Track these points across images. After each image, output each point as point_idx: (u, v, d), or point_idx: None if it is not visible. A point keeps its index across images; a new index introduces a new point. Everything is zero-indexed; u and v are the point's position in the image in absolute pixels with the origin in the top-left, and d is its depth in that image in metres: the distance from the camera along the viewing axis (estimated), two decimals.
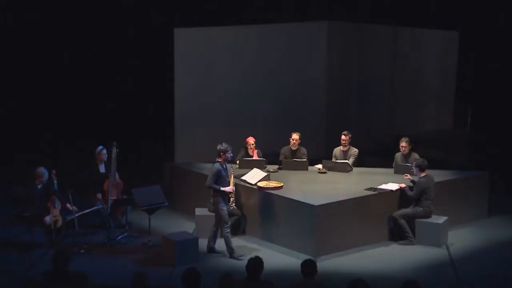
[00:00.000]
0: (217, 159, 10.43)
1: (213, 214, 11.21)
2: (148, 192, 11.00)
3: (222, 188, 10.38)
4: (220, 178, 10.38)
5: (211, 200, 11.26)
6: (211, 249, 10.64)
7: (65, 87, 14.89)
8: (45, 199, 10.77)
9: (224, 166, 10.49)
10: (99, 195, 11.33)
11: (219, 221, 10.52)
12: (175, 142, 14.59)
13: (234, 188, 10.68)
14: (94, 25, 14.70)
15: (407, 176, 11.39)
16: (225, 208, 10.45)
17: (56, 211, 10.73)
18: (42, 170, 10.93)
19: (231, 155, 10.61)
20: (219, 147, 10.42)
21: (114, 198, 11.36)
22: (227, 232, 10.43)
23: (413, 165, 11.23)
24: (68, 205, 10.76)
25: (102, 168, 11.72)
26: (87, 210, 10.95)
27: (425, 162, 11.11)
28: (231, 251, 10.45)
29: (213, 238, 10.66)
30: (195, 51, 14.64)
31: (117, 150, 11.51)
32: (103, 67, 14.88)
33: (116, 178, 11.55)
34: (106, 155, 11.64)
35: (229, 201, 10.61)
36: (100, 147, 11.76)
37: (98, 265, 10.13)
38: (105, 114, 15.09)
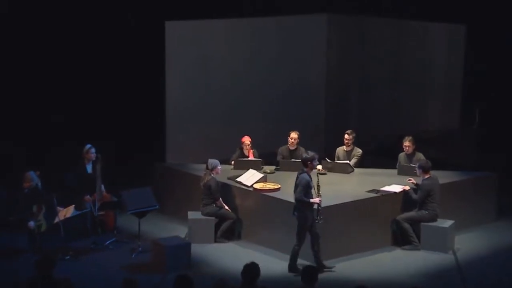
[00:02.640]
0: (303, 169, 10.09)
1: (207, 218, 11.22)
2: (138, 194, 10.97)
3: (312, 200, 10.09)
4: (309, 189, 10.06)
5: (203, 203, 11.28)
6: (294, 269, 10.05)
7: (49, 83, 14.83)
8: (31, 203, 10.75)
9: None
10: (88, 197, 11.30)
11: (298, 235, 10.04)
12: (166, 141, 14.56)
13: (321, 199, 10.18)
14: (79, 18, 14.65)
15: (410, 180, 11.38)
16: (313, 222, 10.02)
17: (40, 215, 10.70)
18: (31, 174, 10.94)
19: (318, 163, 10.35)
20: (304, 155, 10.16)
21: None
22: (297, 247, 10.02)
23: (416, 166, 11.21)
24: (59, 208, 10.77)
25: (89, 168, 11.69)
26: (73, 214, 10.90)
27: (429, 163, 11.10)
28: (293, 266, 10.09)
29: (318, 252, 10.18)
30: (187, 45, 14.62)
31: (102, 163, 11.46)
32: (88, 63, 14.82)
33: (102, 191, 11.51)
34: (95, 154, 11.61)
35: (318, 213, 10.12)
36: (88, 145, 11.73)
37: (85, 271, 10.07)
38: (90, 112, 15.04)
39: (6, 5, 14.31)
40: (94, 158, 11.61)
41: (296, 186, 10.04)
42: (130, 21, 14.75)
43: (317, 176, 10.21)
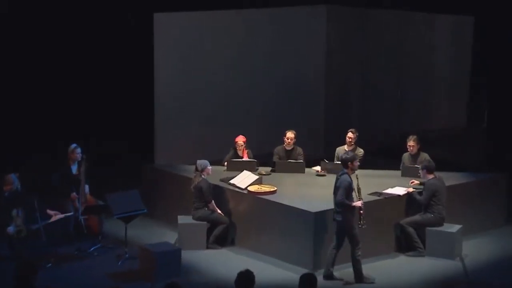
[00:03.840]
0: (343, 170, 10.04)
1: (198, 222, 11.20)
2: (124, 197, 10.94)
3: (353, 203, 10.04)
4: (351, 192, 10.02)
5: (194, 206, 11.27)
6: (330, 276, 10.09)
7: (31, 80, 14.80)
8: (11, 207, 10.72)
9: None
10: (74, 195, 11.32)
11: (351, 242, 9.97)
12: (155, 141, 14.54)
13: (363, 202, 10.15)
14: (63, 12, 14.60)
15: (413, 182, 11.38)
16: (356, 226, 10.02)
17: (19, 220, 10.67)
18: (12, 177, 10.91)
19: (359, 164, 10.33)
20: (345, 156, 10.13)
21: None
22: (358, 255, 9.97)
23: (420, 168, 11.22)
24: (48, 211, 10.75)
25: (74, 169, 11.66)
26: (56, 218, 10.88)
27: (432, 164, 11.11)
28: (360, 277, 10.03)
29: (332, 263, 10.13)
30: (177, 39, 14.61)
31: (87, 164, 11.44)
32: (73, 59, 14.78)
33: (86, 193, 11.48)
34: (80, 154, 11.60)
35: (360, 217, 10.11)
36: (73, 145, 11.71)
37: (68, 280, 10.04)
38: (75, 110, 15.00)
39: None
40: (79, 159, 11.60)
41: (336, 188, 9.99)
42: (117, 14, 14.71)
43: (357, 177, 10.16)
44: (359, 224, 10.04)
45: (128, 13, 14.63)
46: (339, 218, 9.93)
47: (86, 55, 14.81)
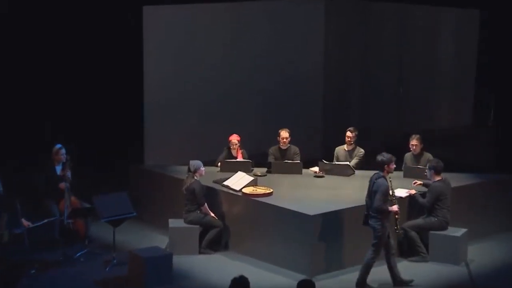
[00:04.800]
0: (378, 173, 10.02)
1: (190, 226, 11.19)
2: (113, 200, 10.93)
3: (390, 208, 10.03)
4: (388, 196, 10.00)
5: (185, 209, 11.26)
6: (401, 282, 10.09)
7: (13, 78, 14.75)
8: None
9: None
10: (63, 184, 11.32)
11: (385, 247, 10.01)
12: (144, 140, 14.52)
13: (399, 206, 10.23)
14: (49, 6, 14.57)
15: (416, 183, 11.38)
16: (388, 232, 10.04)
17: (1, 224, 10.65)
18: None
19: (395, 166, 10.31)
20: (380, 158, 10.07)
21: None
22: (373, 261, 10.01)
23: (427, 167, 11.22)
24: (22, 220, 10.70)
25: (59, 170, 11.65)
26: (40, 223, 10.86)
27: (440, 164, 11.10)
28: (362, 283, 10.04)
29: (395, 267, 10.12)
30: (167, 33, 14.59)
31: (72, 165, 11.42)
32: (58, 55, 14.73)
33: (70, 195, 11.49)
34: (65, 155, 11.59)
35: (395, 222, 10.16)
36: (58, 145, 11.71)
37: (53, 287, 10.04)
38: (59, 108, 14.96)
39: None
40: (64, 160, 11.59)
41: (373, 192, 9.96)
42: (105, 7, 14.67)
43: (390, 180, 10.14)
44: (395, 229, 10.14)
45: (117, 6, 14.59)
46: (376, 224, 9.91)
47: (72, 50, 14.74)
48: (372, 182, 10.04)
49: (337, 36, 16.52)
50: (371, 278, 10.09)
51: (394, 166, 10.20)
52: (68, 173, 11.48)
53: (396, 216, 10.12)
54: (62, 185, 11.36)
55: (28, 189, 11.55)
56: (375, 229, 9.91)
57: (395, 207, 10.05)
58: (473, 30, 16.46)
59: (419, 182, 11.45)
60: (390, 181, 10.10)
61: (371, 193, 10.00)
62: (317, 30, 16.30)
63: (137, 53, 14.18)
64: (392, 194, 10.14)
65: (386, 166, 10.00)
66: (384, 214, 9.90)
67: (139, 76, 14.28)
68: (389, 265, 10.11)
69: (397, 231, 10.19)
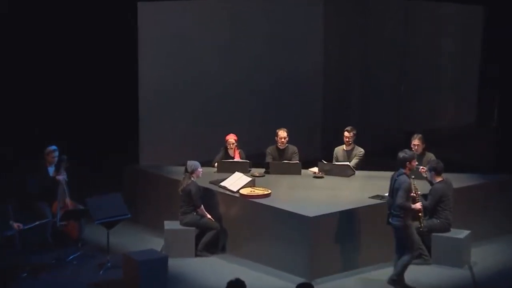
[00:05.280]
0: (400, 170, 10.02)
1: (187, 228, 11.19)
2: (106, 201, 10.93)
3: (413, 206, 10.11)
4: (410, 193, 10.04)
5: (181, 211, 11.26)
6: (395, 282, 10.10)
7: (4, 75, 14.74)
8: None
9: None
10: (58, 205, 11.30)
11: (409, 246, 10.03)
12: (139, 140, 14.51)
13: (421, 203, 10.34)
14: (40, 3, 14.57)
15: (423, 169, 11.37)
16: (414, 230, 10.13)
17: None
18: None
19: (416, 163, 10.30)
20: (402, 155, 10.05)
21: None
22: (411, 261, 10.09)
23: (426, 169, 11.22)
24: (11, 222, 10.69)
25: (51, 171, 11.64)
26: (32, 225, 10.84)
27: (440, 164, 11.10)
28: (400, 283, 10.10)
29: (401, 272, 10.15)
30: (163, 30, 14.58)
31: (68, 165, 11.42)
32: (50, 51, 14.71)
33: (66, 200, 11.47)
34: (57, 157, 11.58)
35: (419, 220, 10.27)
36: (51, 147, 11.67)
37: None
38: (52, 106, 14.94)
39: None
40: (55, 162, 11.57)
41: (395, 190, 10.00)
42: (99, 3, 14.64)
43: (413, 178, 10.19)
44: (419, 227, 10.23)
45: (111, 3, 14.57)
46: (398, 222, 9.95)
47: (66, 47, 14.71)
48: (393, 180, 10.08)
49: (337, 33, 16.51)
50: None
51: (416, 163, 10.22)
52: (64, 174, 11.47)
53: (420, 214, 10.22)
54: (59, 178, 11.30)
55: (20, 190, 11.53)
56: (397, 228, 9.96)
57: (418, 205, 10.15)
58: (477, 27, 16.43)
59: (423, 168, 11.39)
60: (413, 178, 10.14)
61: (392, 191, 10.04)
62: (316, 29, 16.30)
63: (132, 51, 14.16)
64: (415, 191, 10.18)
65: (408, 163, 10.01)
66: (407, 212, 9.94)
67: (134, 74, 14.26)
68: (401, 264, 10.10)
69: (421, 229, 10.27)
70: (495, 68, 15.85)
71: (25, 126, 14.54)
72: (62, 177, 11.44)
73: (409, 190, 9.96)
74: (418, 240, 10.26)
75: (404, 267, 10.06)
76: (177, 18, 14.77)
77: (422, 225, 10.36)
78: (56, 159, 11.62)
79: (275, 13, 15.83)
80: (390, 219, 10.06)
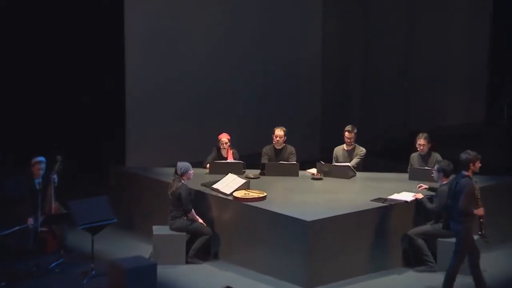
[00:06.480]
0: (462, 173, 9.99)
1: (176, 233, 11.22)
2: (91, 205, 10.93)
3: (475, 211, 10.05)
4: (473, 197, 10.01)
5: (171, 215, 11.29)
6: None
7: None
8: None
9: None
10: (31, 220, 11.28)
11: (459, 254, 10.04)
12: (126, 141, 14.53)
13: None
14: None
15: (421, 187, 11.43)
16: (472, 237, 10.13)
17: None
18: None
19: (480, 165, 10.25)
20: (465, 156, 9.99)
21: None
22: (456, 268, 10.05)
23: (435, 169, 11.24)
24: None
25: (37, 183, 11.62)
26: (10, 230, 10.86)
27: (451, 166, 11.10)
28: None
29: (480, 276, 10.20)
30: (150, 25, 14.60)
31: (61, 167, 11.45)
32: (31, 45, 14.75)
33: (53, 204, 11.49)
34: (44, 170, 11.56)
35: (481, 226, 10.20)
36: (38, 158, 11.63)
37: None
38: (36, 106, 14.97)
39: None
40: (40, 175, 11.53)
41: (456, 193, 9.98)
42: None
43: (476, 181, 10.17)
44: (480, 233, 10.21)
45: None
46: (459, 227, 9.98)
47: (48, 45, 14.73)
48: (455, 182, 10.06)
49: (337, 23, 16.55)
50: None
51: (480, 164, 10.18)
52: (55, 177, 11.48)
53: (481, 220, 10.17)
54: (30, 220, 11.23)
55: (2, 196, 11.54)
56: (458, 233, 9.98)
57: (481, 210, 10.08)
58: (486, 18, 16.49)
59: (424, 186, 11.47)
60: (476, 181, 10.14)
61: (453, 194, 10.03)
62: (313, 18, 16.33)
63: (119, 47, 14.19)
64: (478, 195, 10.15)
65: (471, 164, 9.99)
66: (469, 217, 9.94)
67: (120, 70, 14.28)
68: (474, 275, 10.14)
69: (481, 236, 10.24)
70: (506, 63, 15.94)
71: (5, 127, 14.58)
72: (53, 176, 11.44)
73: (472, 194, 9.95)
74: (477, 246, 10.17)
75: (478, 271, 10.08)
76: (166, 9, 14.79)
77: (483, 232, 10.24)
78: (42, 171, 11.59)
79: (270, 4, 15.85)
80: (451, 224, 10.08)
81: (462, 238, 9.99)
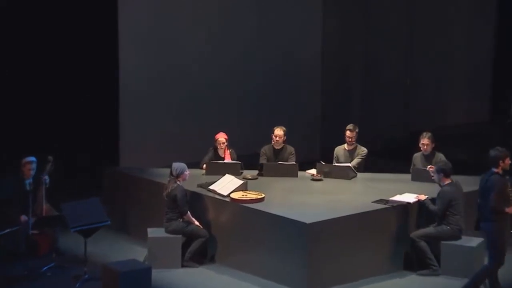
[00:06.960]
0: (492, 170, 10.01)
1: (172, 236, 11.22)
2: (83, 207, 10.91)
3: (507, 210, 10.03)
4: (504, 195, 9.99)
5: (166, 217, 11.28)
6: None
7: None
8: None
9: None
10: (24, 217, 11.27)
11: (493, 255, 10.06)
12: (120, 140, 14.52)
13: None
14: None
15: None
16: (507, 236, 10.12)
17: None
18: None
19: (510, 162, 10.21)
20: (494, 152, 10.00)
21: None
22: (493, 269, 10.08)
23: (434, 171, 11.24)
24: None
25: (28, 183, 11.61)
26: (1, 232, 10.85)
27: (449, 165, 11.14)
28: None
29: (496, 279, 10.24)
30: (145, 22, 14.59)
31: (52, 167, 11.45)
32: (23, 48, 14.74)
33: (44, 206, 11.48)
34: (34, 170, 11.56)
35: (510, 227, 10.23)
36: (28, 158, 11.64)
37: None
38: (26, 105, 14.96)
39: None
40: (31, 176, 11.53)
41: (486, 191, 10.00)
42: None
43: (506, 177, 10.18)
44: None
45: None
46: (490, 227, 9.98)
47: (40, 44, 14.72)
48: (484, 180, 10.06)
49: (337, 21, 16.56)
50: None
51: (510, 161, 10.16)
52: (46, 178, 11.47)
53: None
54: (23, 217, 11.25)
55: None
56: (489, 233, 9.97)
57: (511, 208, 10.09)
58: (491, 13, 16.48)
59: (422, 197, 11.30)
60: (507, 178, 10.10)
61: (483, 193, 10.03)
62: (313, 14, 16.34)
63: (113, 43, 14.18)
64: (511, 193, 10.12)
65: (501, 161, 10.00)
66: (500, 215, 9.93)
67: (114, 66, 14.26)
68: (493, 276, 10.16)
69: None
70: (509, 62, 15.94)
71: None
72: (45, 177, 11.43)
73: (503, 192, 9.94)
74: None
75: (481, 276, 10.07)
76: (160, 6, 14.78)
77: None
78: (33, 172, 11.60)
79: (270, 4, 15.85)
80: (481, 223, 10.08)
81: (494, 238, 9.98)
